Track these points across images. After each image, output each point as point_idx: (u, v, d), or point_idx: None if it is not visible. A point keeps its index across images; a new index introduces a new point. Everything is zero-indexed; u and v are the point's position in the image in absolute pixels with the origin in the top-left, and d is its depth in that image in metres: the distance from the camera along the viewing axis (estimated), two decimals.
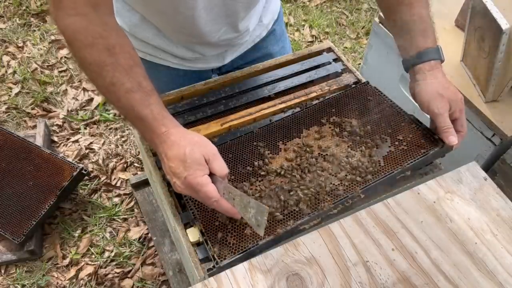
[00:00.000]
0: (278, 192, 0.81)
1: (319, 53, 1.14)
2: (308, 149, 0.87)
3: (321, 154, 0.87)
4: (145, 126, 0.74)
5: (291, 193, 0.80)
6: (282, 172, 0.84)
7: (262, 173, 0.84)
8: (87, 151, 1.96)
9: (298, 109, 1.00)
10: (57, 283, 1.59)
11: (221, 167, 0.73)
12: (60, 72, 2.26)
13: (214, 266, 0.73)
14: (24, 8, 2.52)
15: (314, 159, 0.86)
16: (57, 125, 2.05)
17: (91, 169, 1.90)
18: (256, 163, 0.86)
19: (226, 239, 0.76)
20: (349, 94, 0.99)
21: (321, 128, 0.92)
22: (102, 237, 1.70)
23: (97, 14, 0.71)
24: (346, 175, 0.83)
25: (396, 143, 0.88)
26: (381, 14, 1.42)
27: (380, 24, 1.45)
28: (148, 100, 0.73)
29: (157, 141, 0.74)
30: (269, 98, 1.03)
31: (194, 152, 0.71)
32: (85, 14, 0.69)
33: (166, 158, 0.73)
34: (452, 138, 0.85)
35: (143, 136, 0.78)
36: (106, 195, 1.83)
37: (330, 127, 0.92)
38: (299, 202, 0.79)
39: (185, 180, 0.71)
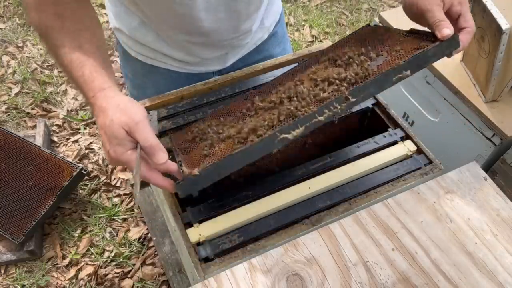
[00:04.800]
0: (264, 115, 0.77)
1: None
2: (298, 82, 0.83)
3: (313, 81, 0.80)
4: (78, 89, 0.71)
5: (273, 111, 0.76)
6: (271, 104, 0.79)
7: (252, 113, 0.81)
8: (87, 151, 1.96)
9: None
10: (57, 283, 1.59)
11: (145, 138, 0.64)
12: (60, 72, 2.26)
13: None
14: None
15: (305, 89, 0.79)
16: (57, 125, 2.05)
17: (91, 169, 1.90)
18: (245, 107, 0.83)
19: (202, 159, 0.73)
20: (346, 39, 0.91)
21: (315, 67, 0.86)
22: (102, 237, 1.70)
23: None
24: (335, 87, 0.75)
25: (393, 53, 0.77)
26: (381, 14, 1.42)
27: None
28: (83, 62, 0.69)
29: (89, 107, 0.71)
30: None
31: (113, 124, 0.64)
32: None
33: (97, 126, 0.72)
34: (445, 31, 0.70)
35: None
36: (106, 195, 1.83)
37: (324, 61, 0.86)
38: (280, 115, 0.73)
39: (109, 154, 0.66)
